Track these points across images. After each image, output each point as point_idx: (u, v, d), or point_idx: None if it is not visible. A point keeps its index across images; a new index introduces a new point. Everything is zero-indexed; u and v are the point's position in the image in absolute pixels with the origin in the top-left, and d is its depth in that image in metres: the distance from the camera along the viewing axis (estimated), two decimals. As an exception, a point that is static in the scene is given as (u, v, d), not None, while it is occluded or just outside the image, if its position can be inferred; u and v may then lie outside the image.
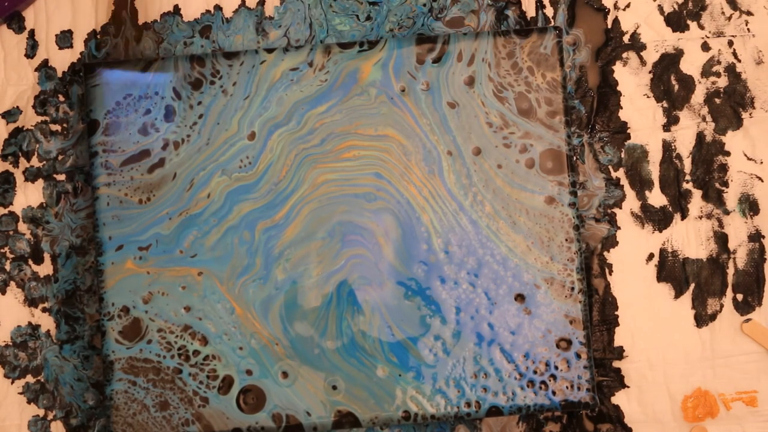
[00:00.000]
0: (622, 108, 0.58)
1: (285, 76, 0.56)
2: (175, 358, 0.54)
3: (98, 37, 0.58)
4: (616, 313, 0.57)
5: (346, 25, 0.58)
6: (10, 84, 0.58)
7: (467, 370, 0.54)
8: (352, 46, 0.56)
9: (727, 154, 0.58)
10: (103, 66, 0.56)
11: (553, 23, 0.58)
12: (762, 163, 0.58)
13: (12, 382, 0.57)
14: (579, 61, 0.58)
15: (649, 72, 0.58)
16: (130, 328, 0.55)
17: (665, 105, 0.58)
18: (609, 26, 0.59)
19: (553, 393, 0.54)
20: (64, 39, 0.58)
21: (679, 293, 0.57)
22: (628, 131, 0.58)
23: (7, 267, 0.57)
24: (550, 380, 0.54)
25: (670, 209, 0.58)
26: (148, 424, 0.54)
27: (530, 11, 0.58)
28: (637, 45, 0.58)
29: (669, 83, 0.58)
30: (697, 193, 0.58)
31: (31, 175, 0.58)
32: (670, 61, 0.58)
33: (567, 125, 0.56)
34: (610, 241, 0.58)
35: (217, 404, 0.54)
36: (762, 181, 0.58)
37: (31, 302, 0.57)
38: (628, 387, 0.57)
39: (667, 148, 0.58)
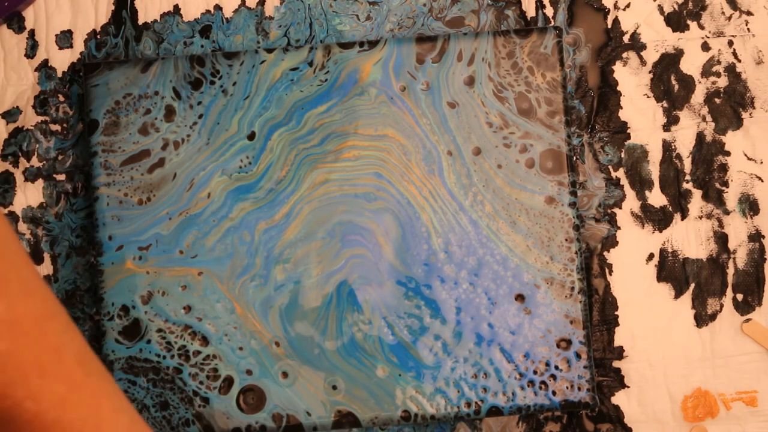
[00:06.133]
0: (622, 108, 0.58)
1: (285, 76, 0.56)
2: (175, 358, 0.54)
3: (98, 37, 0.58)
4: (616, 313, 0.57)
5: (346, 25, 0.58)
6: (10, 84, 0.58)
7: (467, 370, 0.54)
8: (352, 46, 0.56)
9: (727, 154, 0.58)
10: (103, 66, 0.56)
11: (553, 23, 0.58)
12: (762, 163, 0.58)
13: (12, 382, 0.57)
14: (579, 61, 0.58)
15: (649, 72, 0.58)
16: (130, 328, 0.55)
17: (665, 105, 0.58)
18: (609, 26, 0.59)
19: (553, 393, 0.54)
20: (64, 39, 0.58)
21: (679, 293, 0.57)
22: (628, 131, 0.58)
23: (7, 267, 0.57)
24: (550, 380, 0.54)
25: (670, 209, 0.58)
26: (148, 424, 0.54)
27: (530, 11, 0.58)
28: (637, 45, 0.58)
29: (669, 83, 0.58)
30: (697, 193, 0.58)
31: (31, 175, 0.58)
32: (670, 61, 0.58)
33: (567, 125, 0.56)
34: (610, 241, 0.58)
35: (217, 404, 0.54)
36: (762, 181, 0.58)
37: (31, 302, 0.57)
38: (628, 387, 0.57)
39: (667, 148, 0.58)
